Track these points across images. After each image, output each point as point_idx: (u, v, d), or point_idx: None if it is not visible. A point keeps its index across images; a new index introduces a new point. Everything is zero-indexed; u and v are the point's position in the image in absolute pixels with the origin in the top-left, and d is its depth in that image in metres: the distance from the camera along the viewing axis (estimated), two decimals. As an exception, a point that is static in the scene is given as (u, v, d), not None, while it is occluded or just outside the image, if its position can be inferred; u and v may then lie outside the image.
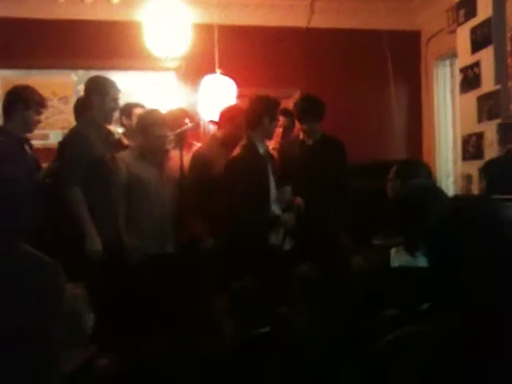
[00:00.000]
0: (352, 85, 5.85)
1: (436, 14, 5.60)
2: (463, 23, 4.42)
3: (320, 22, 5.95)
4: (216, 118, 4.28)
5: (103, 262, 3.40)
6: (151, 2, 4.85)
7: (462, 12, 4.44)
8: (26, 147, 3.63)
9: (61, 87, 5.74)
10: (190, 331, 3.06)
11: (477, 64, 4.23)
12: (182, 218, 3.78)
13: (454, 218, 1.70)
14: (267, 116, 3.76)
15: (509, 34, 3.82)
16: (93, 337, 2.34)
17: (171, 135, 3.89)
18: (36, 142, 3.86)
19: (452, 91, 5.78)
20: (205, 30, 5.25)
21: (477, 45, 4.22)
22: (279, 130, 4.44)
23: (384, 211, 2.94)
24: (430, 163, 5.53)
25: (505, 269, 1.53)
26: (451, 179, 5.71)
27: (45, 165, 3.80)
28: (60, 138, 4.25)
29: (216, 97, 4.82)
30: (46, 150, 4.51)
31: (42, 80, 5.38)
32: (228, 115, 4.10)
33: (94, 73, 4.67)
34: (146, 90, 5.63)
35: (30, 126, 3.63)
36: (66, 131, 3.96)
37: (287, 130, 4.62)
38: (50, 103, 5.40)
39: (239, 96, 4.96)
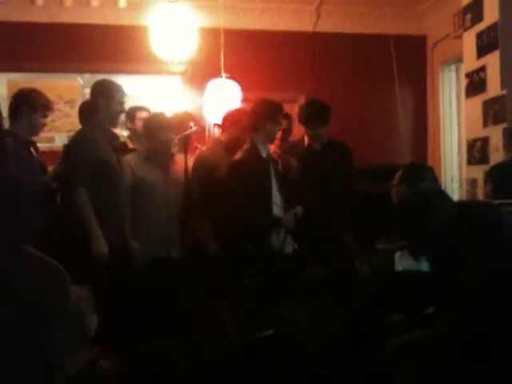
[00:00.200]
0: (358, 89, 5.85)
1: (442, 18, 5.60)
2: (469, 28, 4.42)
3: (326, 26, 5.96)
4: (220, 122, 4.30)
5: (109, 264, 3.41)
6: (158, 7, 4.88)
7: (468, 17, 4.44)
8: (32, 150, 3.65)
9: (67, 91, 5.77)
10: (194, 334, 3.06)
11: (482, 69, 4.22)
12: (187, 222, 3.78)
13: (458, 223, 1.70)
14: (270, 119, 3.76)
15: (515, 39, 3.82)
16: (97, 339, 2.34)
17: (176, 139, 3.90)
18: (41, 145, 3.86)
19: (457, 96, 5.78)
20: (211, 34, 5.27)
21: (483, 50, 4.22)
22: (279, 133, 4.42)
23: (388, 215, 2.94)
24: (435, 167, 5.49)
25: (505, 270, 1.53)
26: (456, 183, 5.70)
27: (51, 167, 3.81)
28: (66, 141, 4.26)
29: (221, 101, 4.83)
30: (52, 153, 4.53)
31: (48, 83, 5.41)
32: (232, 118, 4.12)
33: (100, 76, 4.68)
34: (151, 93, 5.64)
35: (37, 128, 3.65)
36: (72, 134, 3.98)
37: (286, 132, 4.61)
38: (55, 106, 5.41)
39: (244, 100, 4.97)
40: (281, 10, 5.87)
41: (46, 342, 1.26)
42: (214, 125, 4.94)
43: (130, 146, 4.29)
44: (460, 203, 2.19)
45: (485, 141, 4.21)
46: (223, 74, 5.00)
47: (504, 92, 3.96)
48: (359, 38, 5.91)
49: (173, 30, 4.77)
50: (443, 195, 2.46)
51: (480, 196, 4.06)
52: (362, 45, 5.90)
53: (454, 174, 5.80)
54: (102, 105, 3.66)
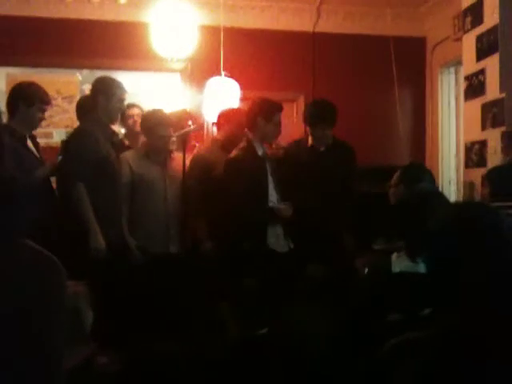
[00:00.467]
0: (357, 89, 5.86)
1: (442, 21, 5.61)
2: (469, 30, 4.42)
3: (326, 26, 5.96)
4: (216, 120, 4.31)
5: (107, 261, 3.41)
6: (158, 4, 4.87)
7: (468, 19, 4.44)
8: (30, 145, 3.63)
9: (65, 86, 5.76)
10: (193, 332, 3.06)
11: (482, 72, 4.23)
12: (186, 220, 3.79)
13: (455, 224, 1.70)
14: (261, 117, 3.77)
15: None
16: (94, 335, 2.34)
17: (174, 136, 3.91)
18: (39, 141, 3.84)
19: (456, 98, 5.79)
20: (211, 31, 5.26)
21: (482, 52, 4.23)
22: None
23: (386, 216, 2.94)
24: (432, 169, 5.53)
25: (504, 271, 1.53)
26: (454, 186, 5.71)
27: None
28: (63, 137, 4.26)
29: (220, 99, 4.83)
30: (50, 149, 4.52)
31: (47, 78, 5.39)
32: (226, 116, 4.15)
33: (99, 73, 4.68)
34: (151, 90, 5.64)
35: (33, 123, 3.63)
36: (70, 130, 3.97)
37: None
38: (54, 102, 5.40)
39: (243, 98, 4.96)
40: (281, 9, 5.86)
41: (46, 338, 1.26)
42: (212, 123, 4.93)
43: (126, 143, 4.28)
44: (458, 204, 2.20)
45: (483, 144, 4.21)
46: (222, 72, 5.00)
47: (503, 95, 3.97)
48: (359, 39, 5.92)
49: (173, 27, 4.77)
50: (441, 196, 2.47)
51: (477, 199, 4.07)
52: (361, 45, 5.90)
53: (452, 177, 5.81)
54: (101, 102, 3.67)
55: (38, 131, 3.82)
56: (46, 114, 3.77)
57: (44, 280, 1.26)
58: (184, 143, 3.78)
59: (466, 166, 4.52)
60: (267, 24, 5.84)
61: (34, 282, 1.25)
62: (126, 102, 4.45)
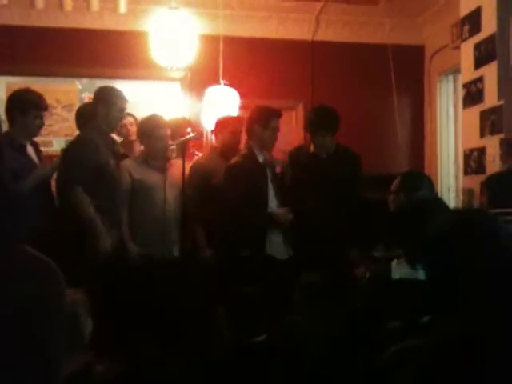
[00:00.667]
0: (356, 98, 5.87)
1: (440, 29, 5.64)
2: (467, 39, 4.45)
3: (325, 35, 5.99)
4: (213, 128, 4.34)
5: (106, 266, 3.41)
6: (158, 13, 4.89)
7: (466, 28, 4.47)
8: (31, 153, 3.61)
9: (65, 95, 5.77)
10: (191, 336, 3.06)
11: (480, 79, 4.24)
12: (185, 228, 3.79)
13: (454, 231, 1.70)
14: (258, 124, 3.81)
15: (512, 50, 3.84)
16: (92, 342, 2.33)
17: (173, 144, 3.92)
18: (39, 149, 3.85)
19: (455, 106, 5.80)
20: (210, 41, 5.29)
21: (480, 60, 4.24)
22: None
23: (385, 223, 2.95)
24: (431, 177, 5.52)
25: (502, 277, 1.54)
26: (453, 193, 5.71)
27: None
28: (63, 146, 4.26)
29: (219, 107, 4.84)
30: (49, 157, 4.52)
31: (47, 87, 5.40)
32: (221, 124, 4.19)
33: (98, 81, 4.70)
34: (150, 99, 5.65)
35: (31, 131, 3.60)
36: (70, 139, 3.99)
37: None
38: (53, 111, 5.44)
39: (243, 107, 4.98)
40: (280, 18, 5.89)
41: (45, 343, 1.26)
42: (211, 131, 4.95)
43: (122, 151, 4.30)
44: (456, 211, 2.20)
45: (481, 151, 4.22)
46: (221, 81, 5.02)
47: (501, 102, 3.98)
48: (358, 48, 5.94)
49: (172, 36, 4.79)
50: (440, 203, 2.47)
51: (476, 206, 4.07)
52: (360, 54, 5.92)
53: (451, 184, 5.82)
54: (101, 111, 3.70)
55: (37, 140, 3.82)
56: (46, 122, 3.77)
57: (43, 286, 1.25)
58: (183, 151, 3.79)
59: (465, 173, 4.53)
60: (266, 33, 5.86)
61: (33, 288, 1.25)
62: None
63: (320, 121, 3.94)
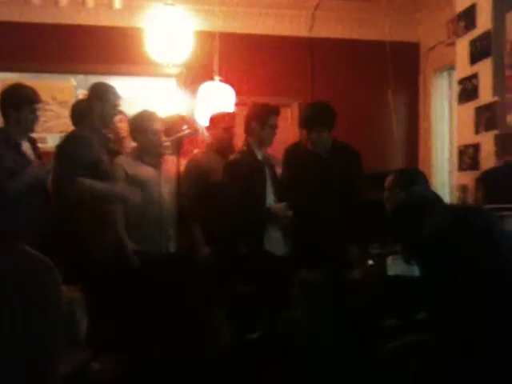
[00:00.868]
0: (353, 94, 5.86)
1: (435, 26, 5.64)
2: (462, 35, 4.45)
3: (321, 31, 5.98)
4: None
5: (103, 264, 3.41)
6: (153, 9, 4.88)
7: (461, 24, 4.47)
8: (27, 149, 3.59)
9: (60, 92, 5.74)
10: (189, 335, 3.06)
11: (475, 76, 4.25)
12: (182, 226, 3.79)
13: (450, 227, 1.71)
14: (255, 121, 3.81)
15: (508, 47, 3.84)
16: (88, 340, 2.33)
17: (168, 141, 3.91)
18: (34, 146, 3.83)
19: (450, 102, 5.82)
20: (206, 37, 5.28)
21: (475, 57, 4.25)
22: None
23: (381, 220, 2.95)
24: (426, 173, 5.53)
25: (496, 273, 1.55)
26: (447, 189, 5.73)
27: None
28: (58, 142, 4.24)
29: (214, 104, 4.84)
30: (44, 154, 4.50)
31: (42, 84, 5.37)
32: (212, 121, 4.21)
33: (93, 78, 4.68)
34: (146, 96, 5.64)
35: (27, 126, 3.54)
36: (64, 135, 3.98)
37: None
38: (48, 107, 5.42)
39: (238, 104, 4.98)
40: (277, 14, 5.88)
41: (43, 339, 1.27)
42: (206, 128, 4.95)
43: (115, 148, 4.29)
44: (453, 208, 2.20)
45: (476, 147, 4.23)
46: (216, 78, 5.01)
47: (496, 99, 3.99)
48: (354, 44, 5.93)
49: (168, 32, 4.78)
50: (438, 198, 2.45)
51: (471, 202, 4.08)
52: (357, 50, 5.92)
53: (445, 180, 5.83)
54: (95, 107, 3.71)
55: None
56: (41, 119, 3.74)
57: (41, 285, 1.26)
58: (178, 148, 3.79)
59: (460, 169, 4.54)
60: (263, 30, 5.85)
61: (31, 287, 1.25)
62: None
63: (316, 116, 3.90)
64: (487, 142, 4.07)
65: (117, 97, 3.78)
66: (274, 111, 3.88)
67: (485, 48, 4.13)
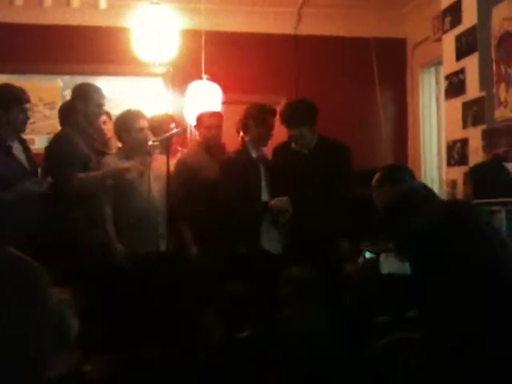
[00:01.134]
0: (339, 91, 5.88)
1: (422, 22, 5.66)
2: (448, 31, 4.47)
3: (307, 29, 5.99)
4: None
5: (94, 266, 3.40)
6: (139, 8, 4.86)
7: (447, 20, 4.49)
8: (19, 150, 3.53)
9: (47, 92, 5.71)
10: (180, 335, 3.05)
11: (462, 71, 4.27)
12: (172, 223, 3.77)
13: (442, 223, 1.72)
14: (251, 120, 3.86)
15: (494, 42, 3.86)
16: (80, 342, 2.32)
17: (157, 140, 3.89)
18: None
19: (437, 98, 5.84)
20: (192, 35, 5.25)
21: (462, 52, 4.27)
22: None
23: (371, 217, 2.94)
24: (415, 169, 5.54)
25: (486, 268, 1.55)
26: (436, 184, 5.75)
27: None
28: (46, 143, 4.22)
29: (202, 102, 4.83)
30: (35, 155, 4.47)
31: (29, 85, 5.29)
32: (198, 120, 4.21)
33: (79, 78, 4.66)
34: (133, 95, 5.61)
35: (17, 126, 3.47)
36: (52, 136, 3.96)
37: None
38: (35, 108, 5.37)
39: (226, 102, 4.97)
40: (262, 12, 5.88)
41: (29, 343, 1.25)
42: (194, 127, 4.94)
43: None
44: (444, 204, 2.20)
45: (464, 142, 4.25)
46: (204, 76, 4.99)
47: (483, 94, 4.01)
48: (340, 41, 5.95)
49: (154, 31, 4.75)
50: (429, 193, 2.43)
51: (459, 197, 4.10)
52: (343, 47, 5.94)
53: (434, 175, 5.86)
54: (79, 106, 3.73)
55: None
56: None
57: (27, 286, 1.25)
58: (167, 147, 3.77)
59: (448, 164, 4.56)
60: (249, 27, 5.85)
61: (18, 288, 1.24)
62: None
63: (294, 113, 3.86)
64: (475, 136, 4.09)
65: (101, 96, 3.78)
66: (270, 111, 3.92)
67: (471, 43, 4.14)
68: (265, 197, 3.82)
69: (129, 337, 3.07)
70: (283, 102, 5.79)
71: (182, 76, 5.45)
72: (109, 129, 4.20)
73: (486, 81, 3.97)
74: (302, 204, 3.73)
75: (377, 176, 3.06)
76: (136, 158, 3.82)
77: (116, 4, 5.50)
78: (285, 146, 4.05)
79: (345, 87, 5.93)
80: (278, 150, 4.08)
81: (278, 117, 4.00)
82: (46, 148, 3.90)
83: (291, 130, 3.87)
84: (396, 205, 2.33)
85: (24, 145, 3.60)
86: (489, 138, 3.94)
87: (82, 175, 3.56)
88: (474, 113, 4.12)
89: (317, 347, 2.45)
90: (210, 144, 4.09)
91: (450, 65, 4.47)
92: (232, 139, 4.27)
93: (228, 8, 5.76)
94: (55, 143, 3.75)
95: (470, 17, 4.16)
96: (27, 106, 3.51)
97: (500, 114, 3.82)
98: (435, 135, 5.90)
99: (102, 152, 4.06)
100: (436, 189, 5.66)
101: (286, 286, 3.08)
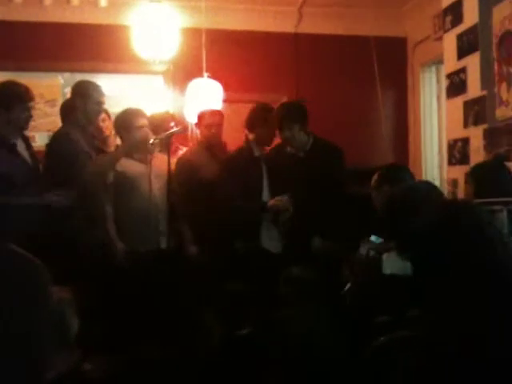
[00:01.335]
0: (340, 90, 5.88)
1: (422, 21, 5.65)
2: (450, 30, 4.46)
3: (308, 27, 5.98)
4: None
5: (95, 264, 3.39)
6: (139, 6, 4.85)
7: (448, 19, 4.48)
8: (22, 148, 3.52)
9: (48, 90, 5.70)
10: (180, 334, 3.05)
11: (463, 70, 4.26)
12: (172, 221, 3.77)
13: (442, 222, 1.71)
14: (257, 120, 3.90)
15: (495, 41, 3.85)
16: (80, 341, 2.31)
17: (157, 138, 3.89)
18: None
19: (438, 97, 5.83)
20: (193, 33, 5.24)
21: (463, 51, 4.26)
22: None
23: (371, 217, 2.94)
24: (416, 168, 5.57)
25: (486, 268, 1.55)
26: (437, 184, 5.75)
27: None
28: (46, 141, 4.22)
29: (203, 100, 4.82)
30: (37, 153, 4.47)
31: (29, 82, 5.27)
32: (198, 118, 4.22)
33: (80, 76, 4.66)
34: (133, 93, 5.61)
35: (20, 125, 3.47)
36: (52, 133, 3.97)
37: None
38: (36, 106, 5.36)
39: (226, 100, 4.96)
40: (263, 11, 5.87)
41: (29, 341, 1.25)
42: (195, 125, 4.93)
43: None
44: (444, 203, 2.19)
45: (465, 141, 4.24)
46: (205, 74, 4.99)
47: (484, 93, 4.00)
48: (341, 40, 5.94)
49: (154, 29, 4.75)
50: (430, 190, 2.41)
51: (460, 196, 4.09)
52: (343, 46, 5.93)
53: (435, 175, 5.85)
54: (79, 104, 3.75)
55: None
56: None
57: (29, 284, 1.24)
58: (168, 145, 3.76)
59: (449, 163, 4.55)
60: (249, 26, 5.84)
61: (19, 286, 1.24)
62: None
63: (285, 115, 3.83)
64: (476, 135, 4.09)
65: (100, 94, 3.79)
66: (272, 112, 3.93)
67: (472, 42, 4.14)
68: (266, 196, 3.82)
69: (129, 336, 3.06)
70: (284, 100, 5.81)
71: (182, 74, 5.44)
72: (107, 126, 4.20)
73: (487, 80, 3.97)
74: (300, 206, 3.73)
75: (375, 176, 3.06)
76: (137, 156, 3.82)
77: (116, 2, 5.50)
78: (278, 150, 4.02)
79: (345, 86, 5.92)
80: (272, 154, 4.03)
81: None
82: (47, 145, 3.91)
83: (283, 132, 3.83)
84: (395, 205, 2.33)
85: (27, 142, 3.61)
86: (490, 137, 3.93)
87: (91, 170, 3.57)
88: (475, 112, 4.11)
89: (317, 347, 2.45)
90: (211, 142, 4.09)
91: (451, 64, 4.46)
92: (233, 138, 4.28)
93: (228, 6, 5.75)
94: (55, 141, 3.76)
95: (471, 16, 4.16)
96: (30, 104, 3.48)
97: (501, 113, 3.81)
98: (436, 134, 5.90)
99: (101, 150, 4.05)
100: (437, 188, 5.66)
101: (286, 285, 3.08)
